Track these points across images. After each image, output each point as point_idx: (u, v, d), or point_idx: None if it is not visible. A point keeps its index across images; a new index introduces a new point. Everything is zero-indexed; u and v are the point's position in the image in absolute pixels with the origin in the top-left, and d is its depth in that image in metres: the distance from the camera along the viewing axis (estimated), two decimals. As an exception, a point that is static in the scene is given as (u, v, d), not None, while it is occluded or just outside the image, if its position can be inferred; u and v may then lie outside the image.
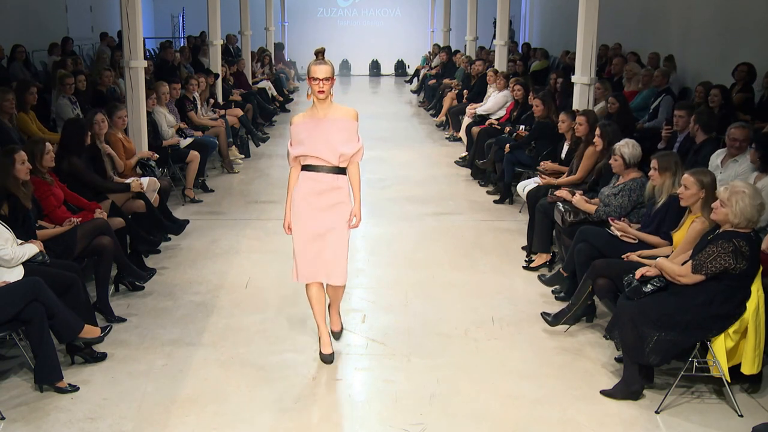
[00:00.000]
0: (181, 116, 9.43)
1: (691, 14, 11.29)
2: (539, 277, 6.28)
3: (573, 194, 6.00)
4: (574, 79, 8.21)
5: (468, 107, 11.46)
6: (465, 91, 12.95)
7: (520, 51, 16.87)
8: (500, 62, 12.63)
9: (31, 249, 4.82)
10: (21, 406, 4.30)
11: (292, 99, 17.43)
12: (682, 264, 4.40)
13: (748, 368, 4.24)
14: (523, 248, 6.94)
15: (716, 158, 6.01)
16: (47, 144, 5.71)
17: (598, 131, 6.37)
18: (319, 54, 4.72)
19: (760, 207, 4.19)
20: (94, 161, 6.60)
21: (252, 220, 8.06)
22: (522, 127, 8.99)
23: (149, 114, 8.40)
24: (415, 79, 19.00)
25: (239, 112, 11.65)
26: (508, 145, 8.63)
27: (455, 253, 6.97)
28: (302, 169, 4.77)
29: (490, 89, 11.27)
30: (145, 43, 11.14)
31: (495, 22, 14.87)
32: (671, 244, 4.97)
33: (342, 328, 5.18)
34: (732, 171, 5.78)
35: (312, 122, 4.70)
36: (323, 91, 4.60)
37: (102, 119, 6.84)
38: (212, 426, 4.13)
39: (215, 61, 12.42)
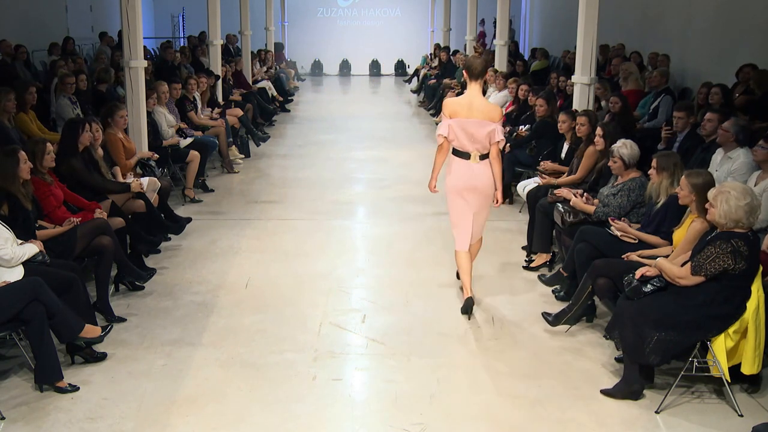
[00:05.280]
0: (181, 116, 9.43)
1: (691, 14, 11.30)
2: (539, 277, 6.28)
3: (576, 196, 5.99)
4: (574, 78, 8.20)
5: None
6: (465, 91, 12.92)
7: (525, 57, 16.80)
8: (500, 62, 12.64)
9: (31, 249, 4.82)
10: (21, 406, 4.30)
11: (292, 99, 17.44)
12: (682, 265, 4.40)
13: (748, 368, 4.23)
14: (523, 248, 6.94)
15: (717, 156, 6.02)
16: (48, 144, 5.71)
17: (600, 131, 6.36)
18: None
19: (747, 207, 4.12)
20: (93, 164, 6.57)
21: (252, 220, 8.06)
22: (523, 127, 8.99)
23: (149, 114, 8.39)
24: (415, 78, 19.01)
25: (239, 112, 11.65)
26: (508, 144, 8.63)
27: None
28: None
29: (490, 89, 11.27)
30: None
31: (495, 22, 14.87)
32: (671, 243, 4.97)
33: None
34: (725, 168, 5.79)
35: None
36: None
37: (96, 129, 6.65)
38: (212, 426, 4.13)
39: (215, 61, 12.42)
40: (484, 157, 5.51)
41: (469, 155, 5.50)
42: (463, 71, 5.70)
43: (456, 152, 5.56)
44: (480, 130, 5.42)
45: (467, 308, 5.55)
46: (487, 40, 18.95)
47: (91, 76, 10.44)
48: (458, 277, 5.98)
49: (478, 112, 5.43)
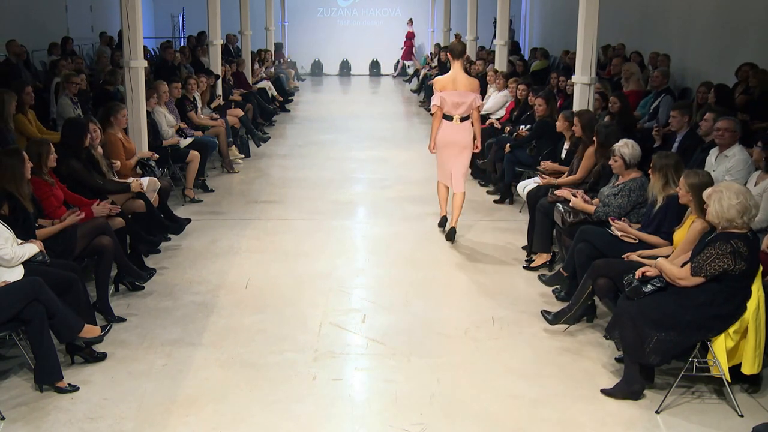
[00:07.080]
0: (181, 116, 9.43)
1: (691, 14, 11.30)
2: (539, 277, 6.28)
3: (576, 196, 5.99)
4: (574, 78, 8.19)
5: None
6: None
7: (526, 57, 16.80)
8: (500, 62, 12.63)
9: (31, 249, 4.81)
10: (21, 406, 4.29)
11: (292, 99, 17.43)
12: (682, 265, 4.40)
13: (749, 368, 4.23)
14: (523, 248, 6.94)
15: (711, 157, 6.02)
16: (50, 145, 5.70)
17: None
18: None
19: (739, 207, 4.12)
20: (93, 164, 6.56)
21: (252, 220, 8.06)
22: (523, 127, 8.99)
23: (149, 114, 8.39)
24: (415, 78, 19.01)
25: (239, 112, 11.65)
26: (508, 144, 8.63)
27: (455, 252, 6.97)
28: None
29: (490, 89, 11.27)
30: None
31: (495, 22, 14.87)
32: (671, 243, 4.97)
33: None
34: (722, 167, 5.78)
35: None
36: None
37: (94, 129, 6.64)
38: (212, 426, 4.13)
39: (215, 61, 12.42)
40: (464, 119, 7.09)
41: (452, 118, 7.07)
42: (447, 53, 7.38)
43: (443, 116, 7.14)
44: (463, 98, 7.02)
45: (442, 223, 7.53)
46: (416, 40, 19.45)
47: (92, 76, 10.42)
48: (440, 225, 7.61)
49: (461, 85, 7.05)
